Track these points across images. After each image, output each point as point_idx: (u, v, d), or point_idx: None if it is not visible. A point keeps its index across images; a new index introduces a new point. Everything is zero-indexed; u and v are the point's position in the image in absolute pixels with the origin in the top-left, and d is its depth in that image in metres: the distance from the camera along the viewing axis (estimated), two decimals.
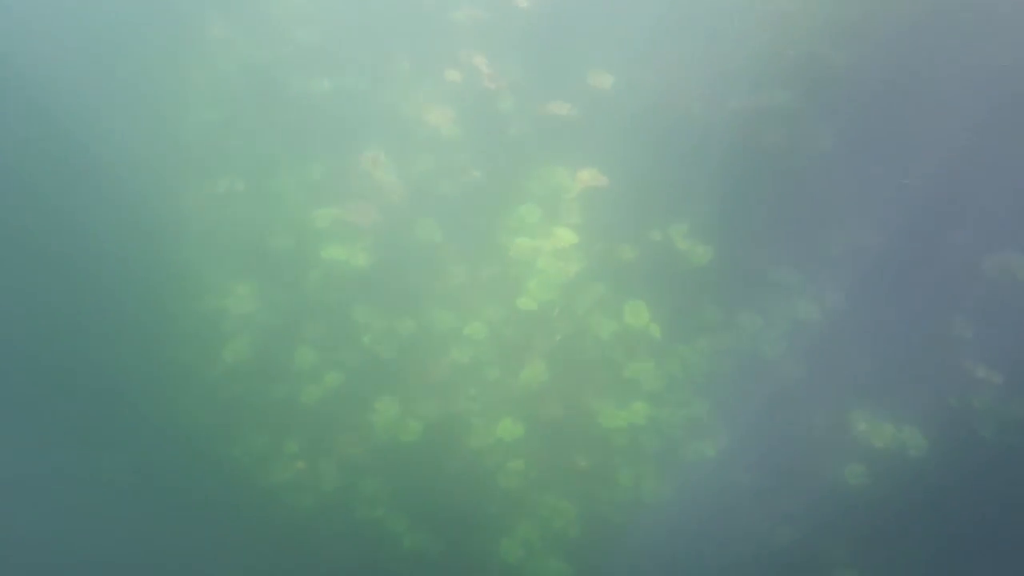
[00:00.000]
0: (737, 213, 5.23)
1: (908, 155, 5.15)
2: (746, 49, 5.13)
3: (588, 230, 5.12)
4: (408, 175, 5.10)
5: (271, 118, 5.22)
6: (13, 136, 5.00)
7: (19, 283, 5.04)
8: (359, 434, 5.31)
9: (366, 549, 5.22)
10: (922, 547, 5.20)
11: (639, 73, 5.11)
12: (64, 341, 5.15)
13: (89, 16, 5.02)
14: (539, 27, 4.91)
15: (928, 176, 5.18)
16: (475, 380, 5.29)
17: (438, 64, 5.02)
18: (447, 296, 5.27)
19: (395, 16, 5.08)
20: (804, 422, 5.33)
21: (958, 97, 5.14)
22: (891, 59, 5.07)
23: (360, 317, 5.23)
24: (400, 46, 5.12)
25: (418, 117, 5.09)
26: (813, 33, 5.02)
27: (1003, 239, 5.27)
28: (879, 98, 5.12)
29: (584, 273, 5.13)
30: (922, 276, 5.25)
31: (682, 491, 5.33)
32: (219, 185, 5.18)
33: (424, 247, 5.21)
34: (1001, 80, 5.10)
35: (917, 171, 5.14)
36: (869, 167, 5.27)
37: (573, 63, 4.99)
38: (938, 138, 4.99)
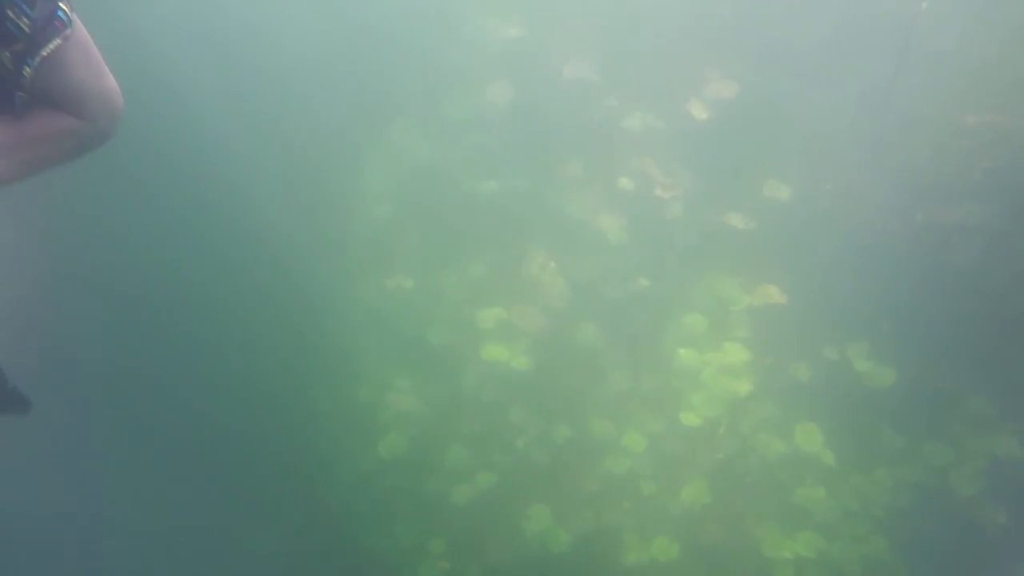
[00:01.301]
0: (923, 334, 4.85)
1: None
2: (936, 159, 4.85)
3: (758, 345, 4.89)
4: (573, 279, 5.08)
5: (440, 217, 5.36)
6: (195, 228, 5.27)
7: (181, 365, 5.19)
8: (507, 539, 5.19)
9: None
10: None
11: (818, 184, 4.92)
12: (223, 421, 5.31)
13: (276, 114, 5.34)
14: (715, 137, 4.84)
15: None
16: (630, 494, 5.08)
17: (609, 170, 5.03)
18: (606, 404, 5.14)
19: (568, 123, 5.15)
20: (1004, 574, 4.76)
21: None
22: None
23: (516, 419, 5.18)
24: (571, 151, 5.18)
25: (586, 221, 5.09)
26: (1016, 144, 4.69)
27: None
28: None
29: (753, 390, 4.89)
30: None
31: None
32: (387, 280, 5.33)
33: (585, 352, 5.13)
34: None
35: None
36: None
37: (749, 173, 4.88)
38: None
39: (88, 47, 2.13)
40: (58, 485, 4.96)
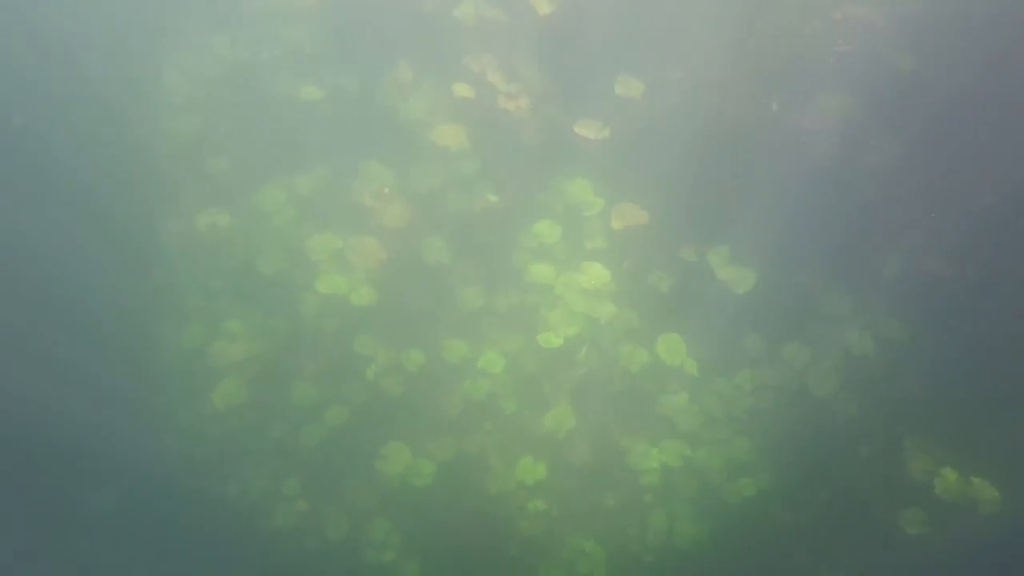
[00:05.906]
0: (782, 234, 4.77)
1: (978, 170, 4.64)
2: (793, 48, 4.60)
3: (615, 254, 4.67)
4: (413, 192, 4.66)
5: (257, 125, 4.80)
6: None
7: None
8: (366, 475, 4.95)
9: None
10: None
11: (670, 76, 4.60)
12: (39, 378, 4.85)
13: (52, 15, 4.59)
14: (560, 32, 4.40)
15: (999, 193, 4.66)
16: (492, 416, 4.90)
17: (444, 68, 4.57)
18: (458, 325, 4.86)
19: (394, 14, 4.58)
20: (855, 464, 4.90)
21: None
22: (965, 65, 4.51)
23: (363, 349, 4.83)
24: (400, 48, 4.65)
25: (423, 127, 4.62)
26: (875, 33, 4.48)
27: None
28: (949, 107, 4.57)
29: (612, 302, 4.70)
30: (991, 303, 4.76)
31: (719, 532, 4.95)
32: (204, 207, 4.75)
33: (432, 271, 4.79)
34: None
35: (988, 187, 4.63)
36: (933, 183, 4.76)
37: (598, 70, 4.50)
38: (1014, 153, 4.47)
39: None
40: None
